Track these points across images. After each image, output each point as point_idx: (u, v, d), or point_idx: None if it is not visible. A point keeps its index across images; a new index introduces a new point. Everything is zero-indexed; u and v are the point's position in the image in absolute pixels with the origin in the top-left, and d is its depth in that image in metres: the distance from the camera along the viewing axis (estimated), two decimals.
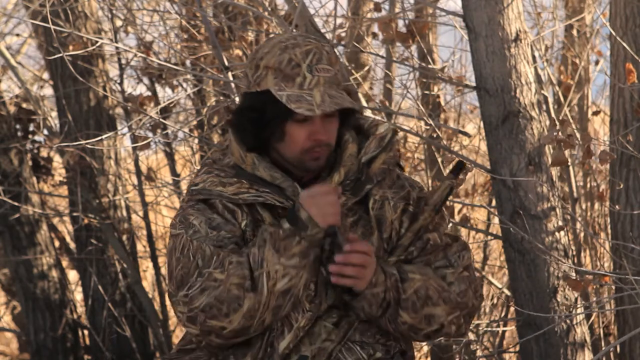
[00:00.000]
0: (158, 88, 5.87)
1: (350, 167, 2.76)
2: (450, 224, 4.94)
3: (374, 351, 2.72)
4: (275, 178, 2.71)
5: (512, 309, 4.72)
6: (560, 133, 3.78)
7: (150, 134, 5.79)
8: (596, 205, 4.96)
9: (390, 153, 2.78)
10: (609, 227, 4.42)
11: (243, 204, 2.71)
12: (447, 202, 4.57)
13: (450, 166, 2.86)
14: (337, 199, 2.66)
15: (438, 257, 2.78)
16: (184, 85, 5.79)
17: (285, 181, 2.72)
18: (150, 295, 6.07)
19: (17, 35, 6.62)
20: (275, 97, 2.66)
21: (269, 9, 4.66)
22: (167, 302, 6.22)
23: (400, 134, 5.36)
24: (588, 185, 5.05)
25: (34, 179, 6.10)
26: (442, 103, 5.34)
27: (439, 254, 2.78)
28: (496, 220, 4.47)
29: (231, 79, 4.41)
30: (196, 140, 5.68)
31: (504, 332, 5.04)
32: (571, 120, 4.97)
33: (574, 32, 5.43)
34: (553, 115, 4.64)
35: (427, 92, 5.37)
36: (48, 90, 6.46)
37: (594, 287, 4.43)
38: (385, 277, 2.67)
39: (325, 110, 2.64)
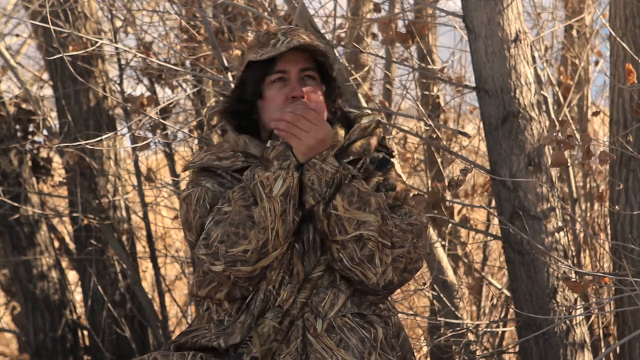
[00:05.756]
0: (158, 89, 5.87)
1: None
2: (450, 225, 4.95)
3: (376, 330, 2.77)
4: None
5: (511, 309, 4.72)
6: (560, 134, 3.78)
7: (150, 135, 5.79)
8: (596, 206, 4.96)
9: (370, 140, 2.88)
10: (608, 228, 4.43)
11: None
12: (447, 203, 4.61)
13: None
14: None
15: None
16: (184, 86, 5.79)
17: None
18: (150, 296, 6.07)
19: (17, 36, 6.63)
20: (255, 68, 2.82)
21: (269, 9, 4.66)
22: (167, 303, 6.22)
23: (400, 134, 5.36)
24: (588, 186, 5.05)
25: (34, 179, 6.10)
26: (442, 104, 5.34)
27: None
28: (496, 221, 4.48)
29: (231, 79, 4.41)
30: (196, 141, 5.68)
31: (503, 332, 5.04)
32: (571, 121, 4.97)
33: (574, 32, 5.43)
34: (553, 116, 4.64)
35: (427, 92, 5.37)
36: (48, 91, 6.46)
37: (594, 288, 4.43)
38: (340, 164, 2.77)
39: (289, 46, 2.77)
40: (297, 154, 2.74)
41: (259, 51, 2.80)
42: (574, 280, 3.87)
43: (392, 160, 2.94)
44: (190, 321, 5.78)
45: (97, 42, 5.29)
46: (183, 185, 5.92)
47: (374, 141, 2.89)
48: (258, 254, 2.71)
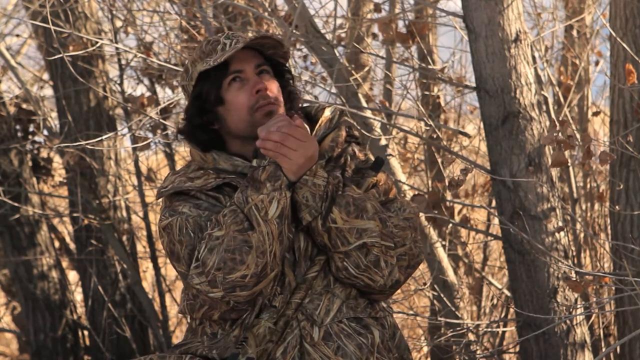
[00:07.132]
0: (158, 89, 5.87)
1: None
2: (450, 225, 4.95)
3: (372, 334, 2.77)
4: (236, 166, 2.81)
5: (512, 309, 4.72)
6: (560, 134, 3.78)
7: (150, 135, 5.79)
8: (596, 206, 4.96)
9: (339, 132, 2.86)
10: (609, 227, 4.43)
11: (225, 188, 2.79)
12: (447, 203, 4.61)
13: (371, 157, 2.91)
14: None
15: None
16: None
17: (247, 167, 2.80)
18: (150, 296, 6.07)
19: (17, 35, 6.63)
20: (208, 77, 2.79)
21: (269, 9, 4.66)
22: (167, 303, 6.22)
23: (400, 134, 5.36)
24: (588, 186, 5.05)
25: (34, 179, 6.10)
26: (442, 104, 5.34)
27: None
28: (496, 220, 4.48)
29: None
30: None
31: (503, 332, 5.04)
32: (571, 121, 4.97)
33: (574, 32, 5.43)
34: (553, 115, 4.64)
35: (427, 92, 5.37)
36: (48, 91, 6.47)
37: (594, 287, 4.43)
38: (328, 174, 2.75)
39: (237, 46, 2.75)
40: (288, 173, 2.71)
41: (207, 60, 2.78)
42: (574, 279, 3.87)
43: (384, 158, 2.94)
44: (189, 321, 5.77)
45: (97, 42, 5.29)
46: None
47: (342, 133, 2.87)
48: (257, 278, 2.68)
